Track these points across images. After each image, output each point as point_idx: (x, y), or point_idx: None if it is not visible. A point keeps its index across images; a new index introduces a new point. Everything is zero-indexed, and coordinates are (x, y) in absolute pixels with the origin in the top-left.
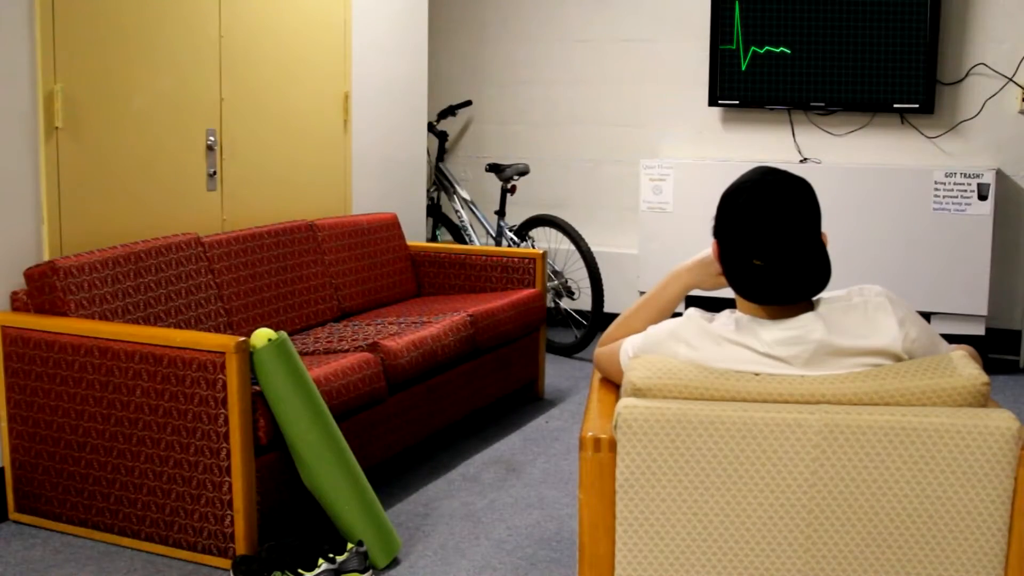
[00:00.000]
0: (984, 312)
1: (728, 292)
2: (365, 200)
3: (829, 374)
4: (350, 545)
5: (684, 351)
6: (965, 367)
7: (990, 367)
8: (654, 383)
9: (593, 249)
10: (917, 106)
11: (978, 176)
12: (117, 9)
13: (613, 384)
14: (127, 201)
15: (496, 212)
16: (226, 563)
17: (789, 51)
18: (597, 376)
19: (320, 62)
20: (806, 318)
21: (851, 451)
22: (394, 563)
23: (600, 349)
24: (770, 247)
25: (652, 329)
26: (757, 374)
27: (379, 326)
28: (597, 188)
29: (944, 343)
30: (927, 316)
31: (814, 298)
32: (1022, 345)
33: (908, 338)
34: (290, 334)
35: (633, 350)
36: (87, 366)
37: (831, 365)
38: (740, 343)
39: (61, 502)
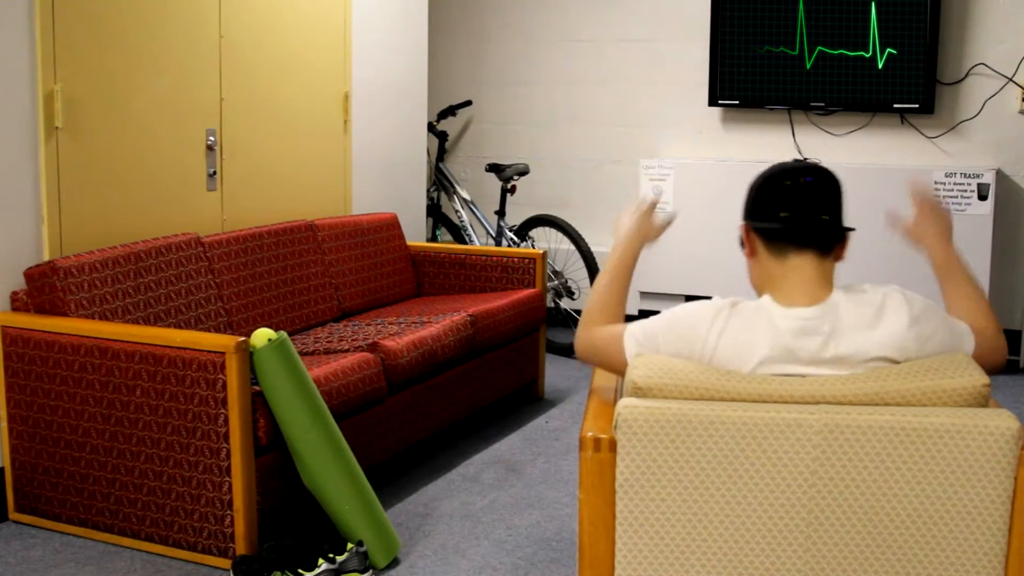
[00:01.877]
0: None
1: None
2: (365, 200)
3: (830, 375)
4: (350, 545)
5: (705, 329)
6: (966, 368)
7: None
8: (655, 382)
9: (593, 249)
10: (917, 106)
11: (978, 176)
12: (117, 9)
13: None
14: (127, 201)
15: (496, 212)
16: (226, 563)
17: (789, 51)
18: (597, 376)
19: (320, 62)
20: (823, 307)
21: (851, 451)
22: (394, 563)
23: (587, 334)
24: (795, 195)
25: (669, 312)
26: (756, 376)
27: (379, 326)
28: (597, 188)
29: (968, 337)
30: None
31: (831, 294)
32: (1022, 345)
33: (921, 337)
34: (290, 334)
35: (643, 335)
36: (87, 366)
37: (840, 359)
38: (759, 325)
39: (61, 502)
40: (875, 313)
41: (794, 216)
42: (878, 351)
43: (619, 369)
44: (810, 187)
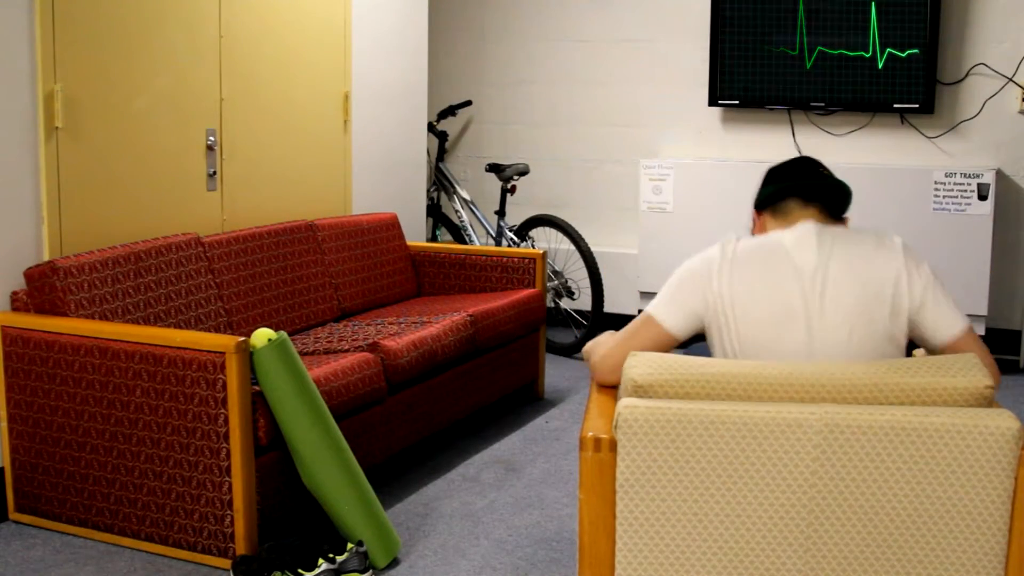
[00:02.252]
0: (984, 312)
1: None
2: (365, 200)
3: (830, 364)
4: (350, 545)
5: (716, 273)
6: (969, 369)
7: None
8: (655, 379)
9: (593, 249)
10: (917, 106)
11: (978, 176)
12: (117, 9)
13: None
14: (127, 201)
15: (496, 212)
16: (226, 563)
17: (789, 51)
18: None
19: (320, 62)
20: (822, 227)
21: (851, 450)
22: (394, 563)
23: (609, 344)
24: (796, 166)
25: (675, 275)
26: (756, 363)
27: (379, 326)
28: (597, 188)
29: (961, 316)
30: None
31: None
32: (1022, 345)
33: (912, 273)
34: (290, 334)
35: (667, 296)
36: (87, 366)
37: (834, 263)
38: (767, 251)
39: (61, 502)
40: (873, 240)
41: (795, 178)
42: (869, 264)
43: (665, 345)
44: (810, 162)
